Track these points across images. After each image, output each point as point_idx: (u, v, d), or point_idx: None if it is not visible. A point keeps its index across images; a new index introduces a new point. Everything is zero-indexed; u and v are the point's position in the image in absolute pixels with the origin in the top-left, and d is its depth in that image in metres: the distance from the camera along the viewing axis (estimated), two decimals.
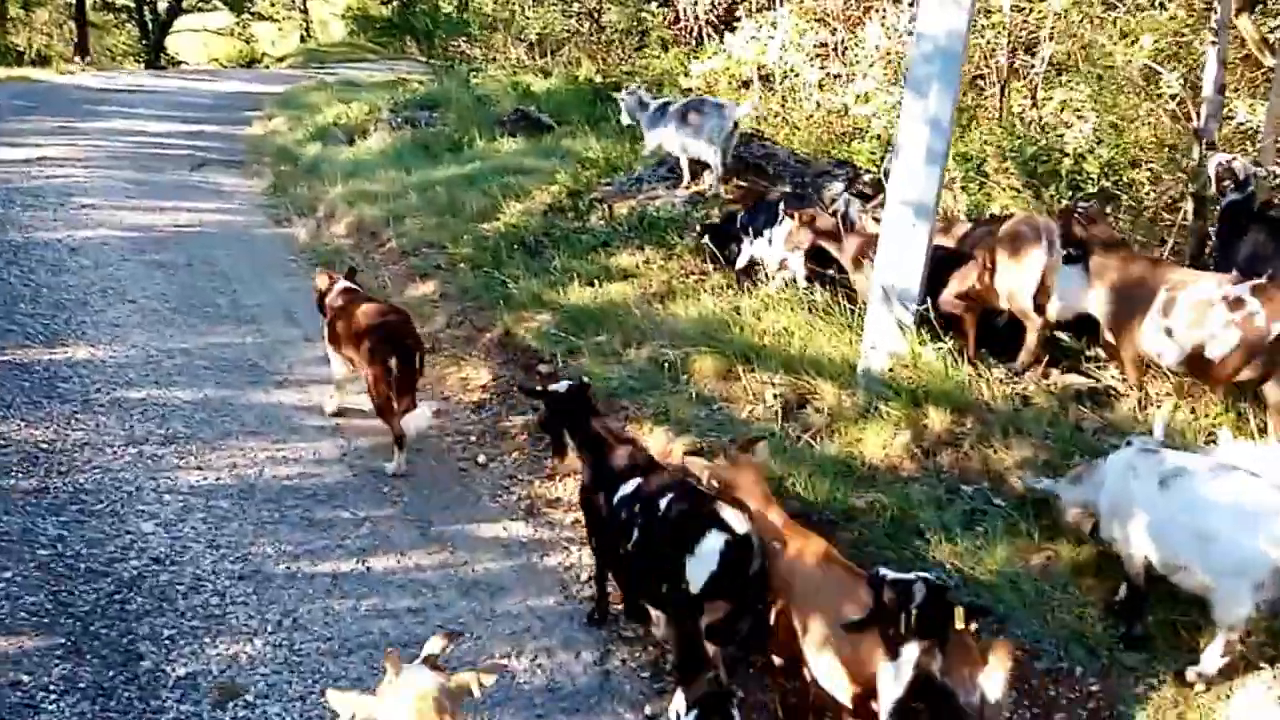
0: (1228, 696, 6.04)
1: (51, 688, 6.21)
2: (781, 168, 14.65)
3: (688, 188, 14.18)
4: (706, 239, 12.03)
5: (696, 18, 21.73)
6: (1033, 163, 13.03)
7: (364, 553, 7.82)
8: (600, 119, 17.92)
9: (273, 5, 53.68)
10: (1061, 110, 14.55)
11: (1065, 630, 6.51)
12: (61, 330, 11.25)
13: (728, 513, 6.10)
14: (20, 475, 8.39)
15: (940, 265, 9.37)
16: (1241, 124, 13.61)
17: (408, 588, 7.45)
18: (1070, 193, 12.52)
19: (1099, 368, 9.22)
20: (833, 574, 5.85)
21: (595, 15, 25.16)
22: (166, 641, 6.67)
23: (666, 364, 9.85)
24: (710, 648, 6.15)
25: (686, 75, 19.06)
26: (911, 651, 5.11)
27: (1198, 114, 11.47)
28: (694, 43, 21.95)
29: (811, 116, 17.31)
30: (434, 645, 4.64)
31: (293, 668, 6.55)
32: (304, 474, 8.91)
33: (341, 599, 7.26)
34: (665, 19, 22.99)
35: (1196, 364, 8.09)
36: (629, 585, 7.02)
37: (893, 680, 5.14)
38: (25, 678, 6.25)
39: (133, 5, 48.08)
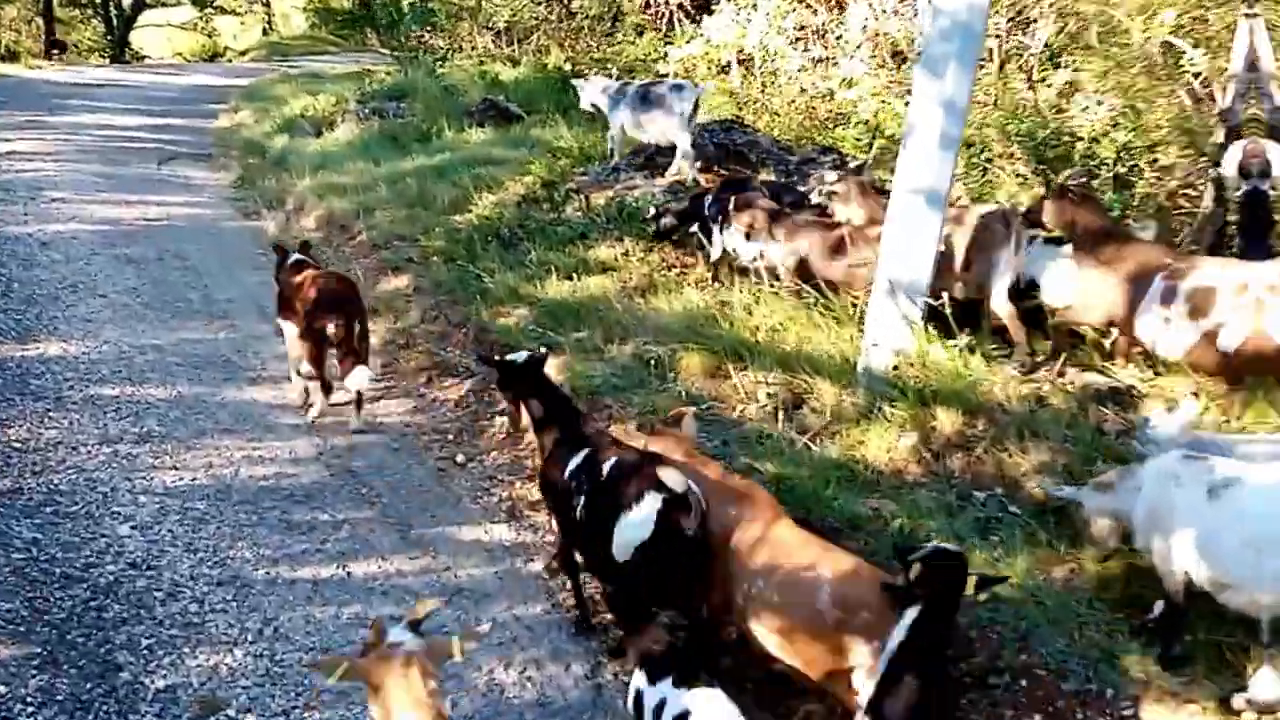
0: None
1: (29, 699, 5.98)
2: (765, 155, 14.45)
3: (666, 176, 14.00)
4: (666, 220, 11.85)
5: (667, 2, 21.53)
6: (1042, 147, 12.79)
7: (344, 557, 7.61)
8: (570, 107, 17.60)
9: None
10: (1072, 91, 14.25)
11: (1094, 649, 6.01)
12: (33, 326, 11.09)
13: (666, 473, 6.02)
14: None
15: None
16: None
17: (390, 594, 7.21)
18: (1085, 179, 12.26)
19: (1118, 366, 8.66)
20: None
21: (565, 1, 24.93)
22: (145, 651, 6.43)
23: (652, 361, 9.62)
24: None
25: (662, 60, 18.88)
26: (911, 614, 5.08)
27: (1224, 94, 11.13)
28: (664, 28, 21.79)
29: (794, 102, 17.10)
30: (419, 609, 4.65)
31: (275, 680, 6.32)
32: (280, 474, 8.71)
33: (323, 606, 7.03)
34: (638, 3, 22.77)
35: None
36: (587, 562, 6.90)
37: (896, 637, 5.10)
38: (1, 689, 6.03)
39: (98, 1, 47.66)
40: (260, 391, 10.15)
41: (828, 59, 17.34)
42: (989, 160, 12.96)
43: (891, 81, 16.35)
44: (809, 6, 17.87)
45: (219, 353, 10.90)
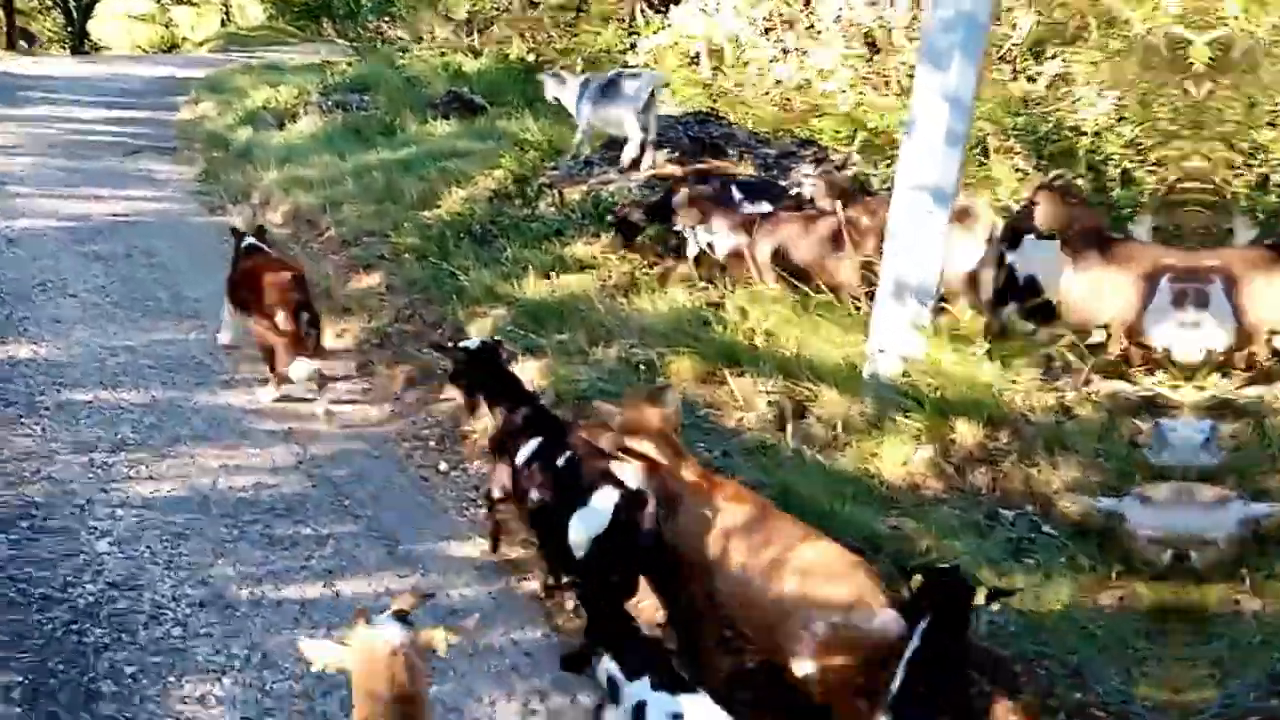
0: None
1: None
2: (743, 148, 14.26)
3: (640, 169, 13.81)
4: (639, 216, 11.64)
5: None
6: (1043, 142, 12.58)
7: (331, 575, 7.33)
8: (535, 99, 17.37)
9: None
10: (1059, 83, 14.04)
11: (1158, 687, 5.63)
12: (3, 326, 10.84)
13: (621, 468, 6.08)
14: None
15: None
16: None
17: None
18: (1090, 174, 12.08)
19: (1144, 372, 8.17)
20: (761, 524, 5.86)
21: None
22: (129, 681, 6.15)
23: (640, 365, 9.40)
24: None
25: (630, 51, 18.65)
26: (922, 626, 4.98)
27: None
28: (628, 18, 21.56)
29: (768, 93, 16.89)
30: (404, 601, 4.61)
31: (267, 711, 6.04)
32: (260, 484, 8.42)
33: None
34: None
35: None
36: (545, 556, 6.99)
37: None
38: None
39: None
40: (234, 396, 9.86)
41: (799, 49, 17.11)
42: (985, 155, 12.69)
43: (870, 73, 16.17)
44: None
45: (191, 354, 10.61)
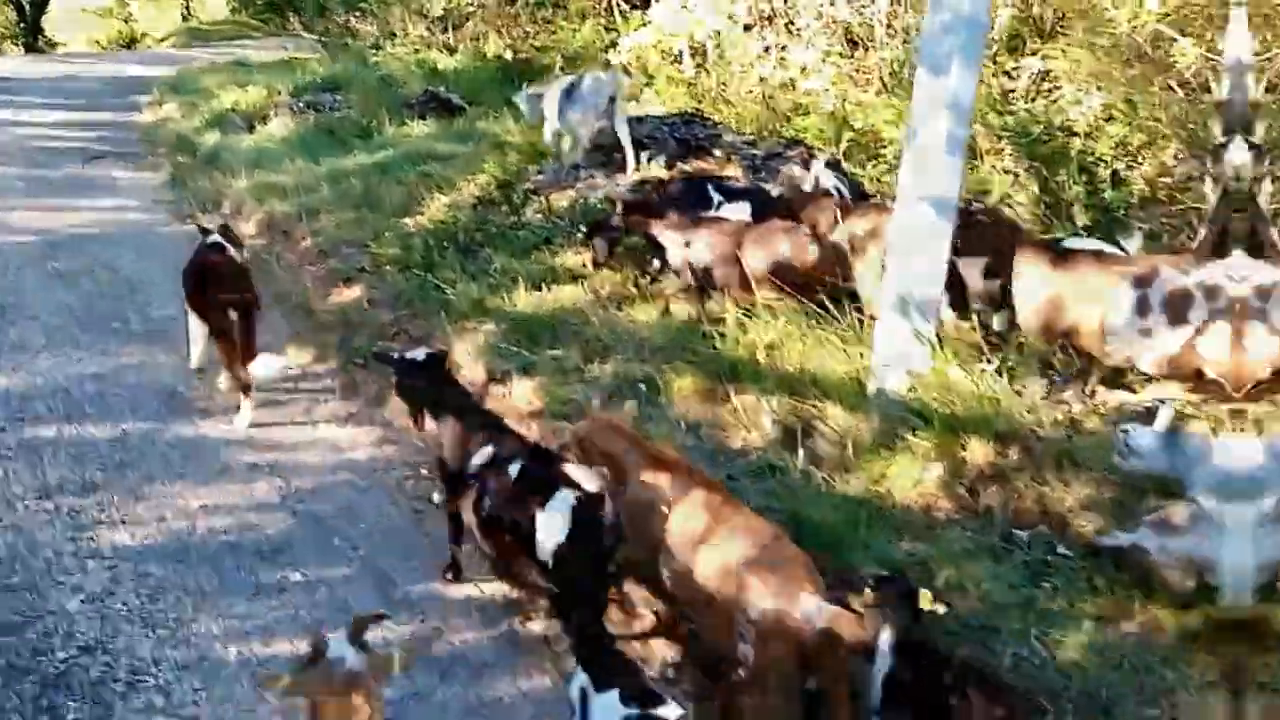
0: None
1: None
2: (730, 150, 13.80)
3: (630, 172, 13.36)
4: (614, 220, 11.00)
5: None
6: (1035, 144, 12.14)
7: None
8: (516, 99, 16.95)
9: None
10: (1042, 82, 13.60)
11: None
12: None
13: (576, 471, 6.19)
14: None
15: None
16: None
17: None
18: (1082, 175, 11.65)
19: (1148, 382, 8.01)
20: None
21: None
22: None
23: (638, 382, 8.96)
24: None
25: (611, 49, 18.12)
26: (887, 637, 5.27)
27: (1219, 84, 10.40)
28: (604, 14, 21.07)
29: (751, 92, 16.37)
30: (360, 623, 4.62)
31: None
32: (242, 525, 7.88)
33: None
34: None
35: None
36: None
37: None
38: None
39: None
40: (211, 425, 9.32)
41: (779, 45, 16.61)
42: (975, 156, 12.20)
43: (855, 71, 15.70)
44: None
45: (162, 381, 10.03)
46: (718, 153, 13.68)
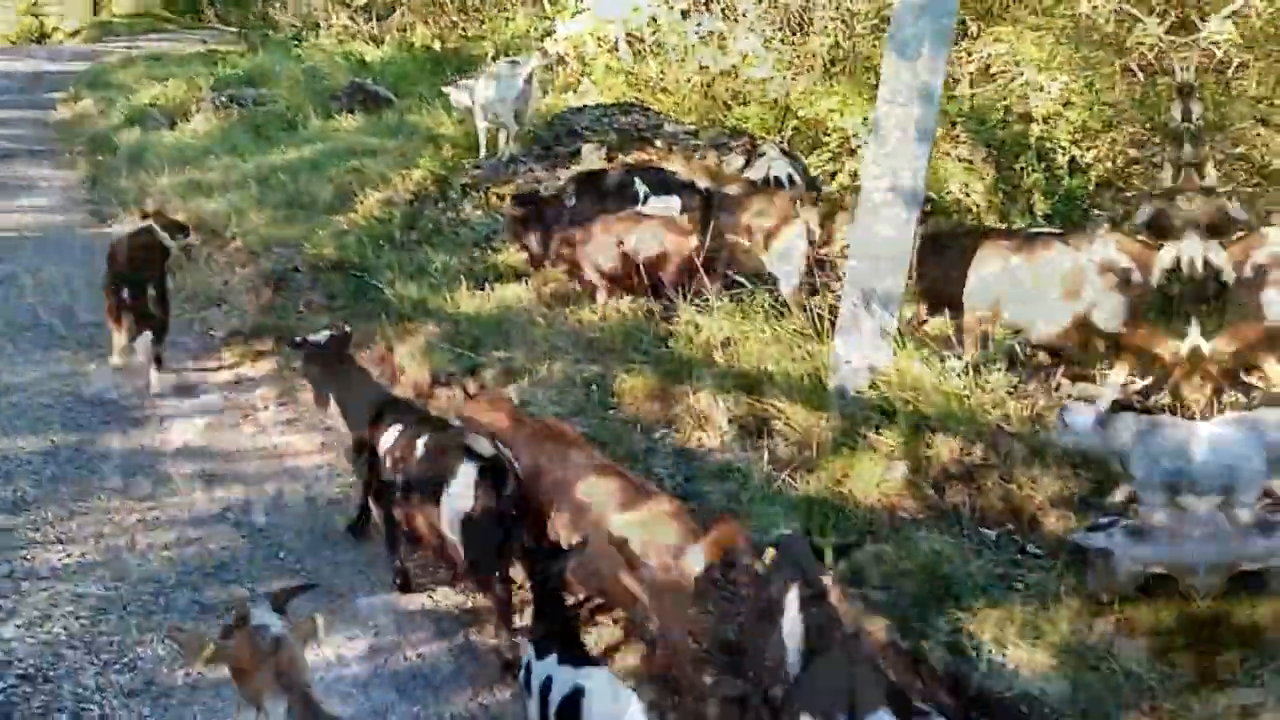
0: None
1: None
2: (670, 140, 13.53)
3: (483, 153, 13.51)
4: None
5: None
6: (994, 130, 11.95)
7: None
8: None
9: None
10: (988, 67, 13.40)
11: None
12: None
13: (474, 439, 6.29)
14: None
15: None
16: None
17: (334, 689, 6.03)
18: (1040, 163, 11.46)
19: (1106, 370, 7.92)
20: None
21: None
22: None
23: (588, 382, 8.70)
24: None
25: (547, 38, 17.81)
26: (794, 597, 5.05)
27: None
28: (536, 1, 20.79)
29: (691, 80, 16.09)
30: (282, 593, 4.67)
31: None
32: (183, 540, 7.51)
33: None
34: None
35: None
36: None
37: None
38: None
39: None
40: (146, 435, 8.97)
41: (717, 32, 16.33)
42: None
43: (797, 58, 15.45)
44: None
45: (93, 389, 9.66)
46: (659, 143, 13.39)
